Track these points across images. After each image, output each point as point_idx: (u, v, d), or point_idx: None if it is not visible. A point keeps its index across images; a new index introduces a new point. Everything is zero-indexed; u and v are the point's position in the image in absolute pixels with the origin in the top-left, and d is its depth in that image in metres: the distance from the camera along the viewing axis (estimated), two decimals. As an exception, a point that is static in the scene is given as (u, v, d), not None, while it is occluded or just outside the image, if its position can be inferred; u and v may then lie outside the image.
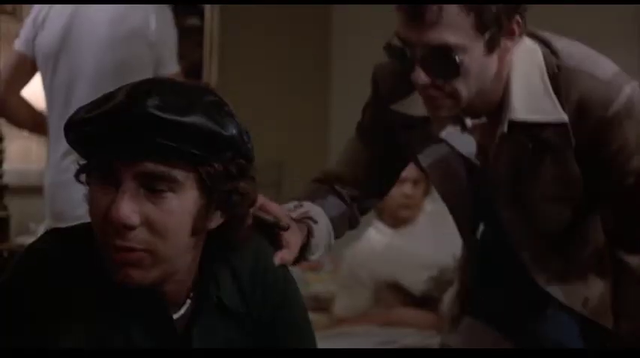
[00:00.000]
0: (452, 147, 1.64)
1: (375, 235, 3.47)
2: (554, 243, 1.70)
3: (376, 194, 1.83)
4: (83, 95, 2.51)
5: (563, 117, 1.54)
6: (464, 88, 1.50)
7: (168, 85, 1.18)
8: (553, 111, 1.53)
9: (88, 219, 1.22)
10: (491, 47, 1.48)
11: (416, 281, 3.74)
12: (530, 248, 1.70)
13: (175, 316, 1.26)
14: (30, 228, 3.29)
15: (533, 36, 1.59)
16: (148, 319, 1.23)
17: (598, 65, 1.56)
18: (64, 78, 2.55)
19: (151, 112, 1.11)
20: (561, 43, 1.58)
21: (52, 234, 1.28)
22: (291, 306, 1.38)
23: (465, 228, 1.80)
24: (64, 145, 2.59)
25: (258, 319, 1.33)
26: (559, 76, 1.54)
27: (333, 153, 4.85)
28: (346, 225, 1.75)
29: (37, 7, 2.63)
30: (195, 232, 1.20)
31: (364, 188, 1.76)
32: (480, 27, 1.45)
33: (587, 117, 1.53)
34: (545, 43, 1.58)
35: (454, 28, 1.43)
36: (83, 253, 1.21)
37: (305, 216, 1.61)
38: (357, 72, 4.57)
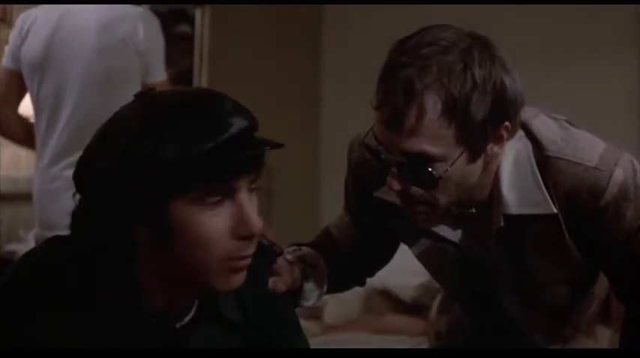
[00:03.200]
0: (442, 236, 1.55)
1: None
2: (559, 314, 1.65)
3: (374, 264, 1.78)
4: (71, 104, 2.52)
5: (554, 209, 1.44)
6: (443, 197, 1.40)
7: None
8: (544, 203, 1.44)
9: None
10: (475, 156, 1.38)
11: (406, 287, 3.75)
12: (535, 325, 1.66)
13: (179, 325, 1.25)
14: (20, 235, 3.29)
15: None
16: (152, 331, 1.21)
17: (583, 149, 1.44)
18: (52, 87, 2.55)
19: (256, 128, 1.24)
20: (543, 130, 1.47)
21: (52, 242, 1.25)
22: (286, 319, 1.39)
23: (461, 306, 1.77)
24: (50, 154, 2.61)
25: (256, 331, 1.33)
26: (544, 167, 1.44)
27: (324, 160, 4.86)
28: (347, 280, 1.74)
29: (20, 18, 2.65)
30: None
31: (362, 261, 1.74)
32: (462, 138, 1.34)
33: (579, 207, 1.43)
34: (526, 131, 1.47)
35: (434, 138, 1.32)
36: (84, 262, 1.19)
37: (301, 260, 1.59)
38: (347, 79, 4.58)
